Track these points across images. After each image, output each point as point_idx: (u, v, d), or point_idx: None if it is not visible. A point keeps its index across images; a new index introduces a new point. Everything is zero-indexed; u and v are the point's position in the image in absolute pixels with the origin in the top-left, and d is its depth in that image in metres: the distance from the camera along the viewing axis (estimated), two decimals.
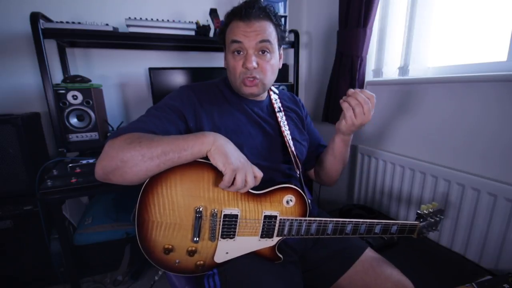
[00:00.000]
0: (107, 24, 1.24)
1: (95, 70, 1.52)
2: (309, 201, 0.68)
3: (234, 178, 0.57)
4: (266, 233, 0.66)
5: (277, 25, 0.72)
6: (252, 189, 0.62)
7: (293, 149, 0.79)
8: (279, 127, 0.79)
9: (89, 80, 1.32)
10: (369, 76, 1.40)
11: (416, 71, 1.28)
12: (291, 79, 1.87)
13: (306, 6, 1.82)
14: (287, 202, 0.66)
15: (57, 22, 1.17)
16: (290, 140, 0.80)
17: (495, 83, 0.91)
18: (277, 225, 0.66)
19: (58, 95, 1.22)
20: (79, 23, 1.21)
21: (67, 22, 1.19)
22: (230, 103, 0.76)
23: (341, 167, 0.87)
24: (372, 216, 1.27)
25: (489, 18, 1.08)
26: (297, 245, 0.77)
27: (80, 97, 1.26)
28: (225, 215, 0.63)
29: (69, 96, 1.24)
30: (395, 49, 1.34)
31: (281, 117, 0.81)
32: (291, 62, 1.80)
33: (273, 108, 0.82)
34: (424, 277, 0.91)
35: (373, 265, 0.73)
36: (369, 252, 0.77)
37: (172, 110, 0.69)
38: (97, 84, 1.37)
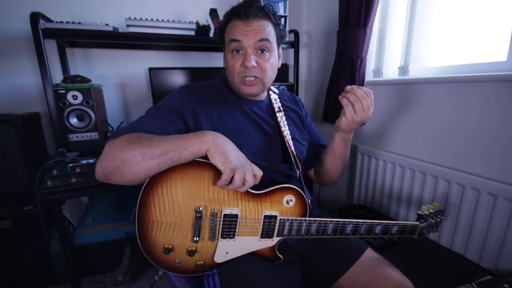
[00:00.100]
0: (107, 24, 1.24)
1: (95, 70, 1.52)
2: (309, 201, 0.68)
3: (233, 177, 0.57)
4: (266, 233, 0.66)
5: (276, 24, 0.72)
6: (252, 189, 0.62)
7: (293, 149, 0.78)
8: (279, 127, 0.79)
9: (89, 80, 1.32)
10: (369, 76, 1.40)
11: (416, 71, 1.28)
12: (291, 79, 1.88)
13: (306, 6, 1.82)
14: (287, 202, 0.66)
15: (57, 22, 1.17)
16: (290, 140, 0.79)
17: (495, 83, 0.91)
18: (277, 225, 0.66)
19: (58, 95, 1.22)
20: (79, 23, 1.21)
21: (67, 22, 1.19)
22: (229, 103, 0.76)
23: (341, 167, 0.87)
24: (372, 216, 1.27)
25: (489, 18, 1.08)
26: (297, 245, 0.77)
27: (80, 97, 1.26)
28: (225, 215, 0.63)
29: (69, 96, 1.24)
30: (395, 49, 1.34)
31: (280, 117, 0.81)
32: (291, 62, 1.80)
33: (273, 108, 0.82)
34: (424, 277, 0.91)
35: (373, 266, 0.73)
36: (369, 253, 0.76)
37: (172, 110, 0.69)
38: (97, 84, 1.37)
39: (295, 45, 1.65)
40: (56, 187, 1.00)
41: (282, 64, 0.80)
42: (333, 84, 1.45)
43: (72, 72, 1.46)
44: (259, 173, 0.61)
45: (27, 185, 1.19)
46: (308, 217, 0.67)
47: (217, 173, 0.58)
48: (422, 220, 0.74)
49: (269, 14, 0.70)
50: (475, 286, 0.75)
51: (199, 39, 1.43)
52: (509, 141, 0.89)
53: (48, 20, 1.20)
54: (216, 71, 1.64)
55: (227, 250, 0.65)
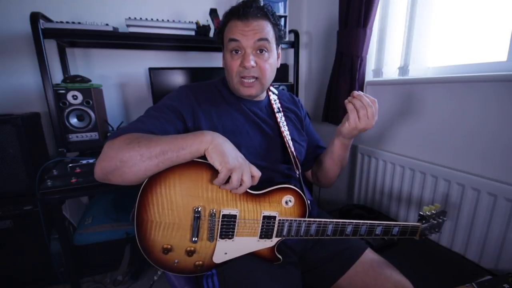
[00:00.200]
0: (107, 24, 1.24)
1: (95, 70, 1.52)
2: (309, 201, 0.67)
3: (230, 177, 0.57)
4: (265, 233, 0.66)
5: (275, 24, 0.72)
6: (251, 189, 0.62)
7: (292, 149, 0.78)
8: (279, 127, 0.79)
9: (89, 80, 1.32)
10: (369, 76, 1.39)
11: (416, 71, 1.27)
12: (291, 79, 1.87)
13: (306, 6, 1.82)
14: (286, 202, 0.65)
15: (57, 22, 1.18)
16: (290, 140, 0.79)
17: (495, 83, 0.90)
18: (276, 225, 0.66)
19: (58, 95, 1.22)
20: (79, 23, 1.21)
21: (67, 22, 1.19)
22: (228, 103, 0.76)
23: (339, 170, 0.87)
24: (372, 216, 1.27)
25: (489, 18, 1.07)
26: (296, 245, 0.77)
27: (80, 97, 1.26)
28: (224, 215, 0.63)
29: (69, 96, 1.24)
30: (395, 49, 1.33)
31: (280, 117, 0.81)
32: (291, 62, 1.80)
33: (272, 109, 0.82)
34: (424, 277, 0.90)
35: (373, 266, 0.73)
36: (369, 253, 0.76)
37: (171, 110, 0.69)
38: (97, 84, 1.37)
39: (295, 45, 1.65)
40: (56, 187, 1.00)
41: (282, 64, 0.80)
42: (333, 84, 1.45)
43: (72, 72, 1.46)
44: (258, 174, 0.61)
45: (27, 185, 1.19)
46: (308, 217, 0.67)
47: (216, 173, 0.58)
48: (424, 221, 0.73)
49: (268, 14, 0.70)
50: (475, 286, 0.75)
51: (199, 39, 1.43)
52: (509, 141, 0.89)
53: (48, 20, 1.20)
54: (216, 71, 1.64)
55: (226, 250, 0.65)
